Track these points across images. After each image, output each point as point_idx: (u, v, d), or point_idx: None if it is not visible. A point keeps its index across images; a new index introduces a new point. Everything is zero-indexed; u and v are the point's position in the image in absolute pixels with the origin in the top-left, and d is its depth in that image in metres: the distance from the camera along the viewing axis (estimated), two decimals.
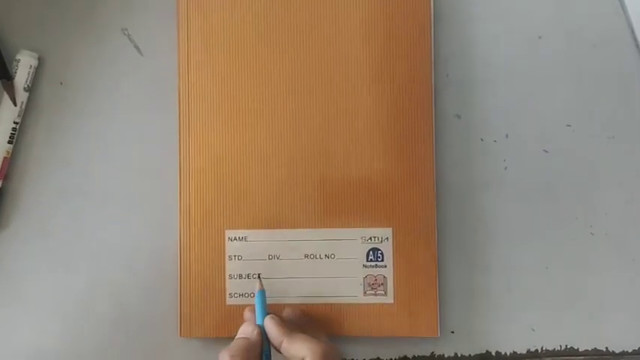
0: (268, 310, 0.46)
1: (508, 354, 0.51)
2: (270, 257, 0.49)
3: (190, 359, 0.50)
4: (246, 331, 0.44)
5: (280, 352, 0.43)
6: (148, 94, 0.51)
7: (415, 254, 0.49)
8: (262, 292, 0.46)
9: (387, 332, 0.49)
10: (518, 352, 0.51)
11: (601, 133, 0.52)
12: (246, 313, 0.47)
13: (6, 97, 0.50)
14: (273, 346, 0.44)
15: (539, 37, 0.52)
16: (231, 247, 0.49)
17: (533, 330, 0.51)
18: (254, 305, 0.46)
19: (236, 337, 0.44)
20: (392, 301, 0.49)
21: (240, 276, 0.49)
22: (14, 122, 0.50)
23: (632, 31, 0.52)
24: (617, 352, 0.51)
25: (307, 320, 0.48)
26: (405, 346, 0.50)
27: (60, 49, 0.51)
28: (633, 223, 0.51)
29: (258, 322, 0.45)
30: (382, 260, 0.49)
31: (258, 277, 0.48)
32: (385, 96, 0.50)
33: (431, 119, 0.50)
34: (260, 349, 0.43)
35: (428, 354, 0.51)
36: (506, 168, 0.52)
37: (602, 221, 0.51)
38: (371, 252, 0.49)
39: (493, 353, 0.51)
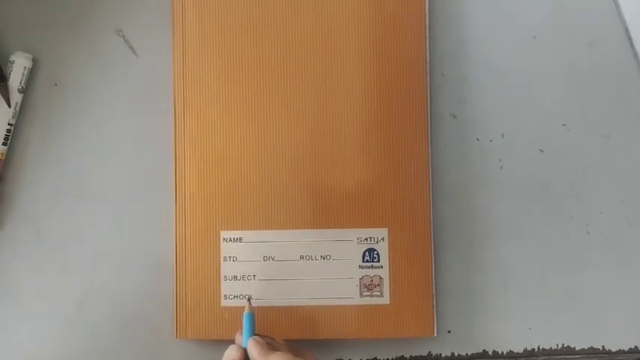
0: (256, 332, 0.45)
1: (505, 353, 0.50)
2: (265, 258, 0.49)
3: None
4: (229, 355, 0.43)
5: None
6: (143, 95, 0.51)
7: (411, 254, 0.49)
8: (250, 314, 0.45)
9: (383, 334, 0.49)
10: (515, 351, 0.50)
11: (596, 132, 0.52)
12: (237, 336, 0.46)
13: (0, 99, 0.50)
14: None
15: (534, 37, 0.52)
16: (226, 248, 0.49)
17: (530, 329, 0.51)
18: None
19: None
20: (388, 302, 0.49)
21: (235, 277, 0.49)
22: (8, 124, 0.50)
23: (627, 30, 0.52)
24: (613, 350, 0.51)
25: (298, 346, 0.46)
26: (402, 345, 0.50)
27: (54, 50, 0.51)
28: (628, 222, 0.51)
29: (244, 344, 0.44)
30: (378, 261, 0.49)
31: (248, 299, 0.47)
32: (380, 96, 0.50)
33: (426, 119, 0.50)
34: None
35: (425, 354, 0.51)
36: (501, 167, 0.52)
37: (598, 220, 0.51)
38: (367, 252, 0.49)
39: (490, 352, 0.51)
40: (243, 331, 0.45)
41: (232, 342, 0.48)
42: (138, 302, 0.50)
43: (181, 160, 0.49)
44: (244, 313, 0.45)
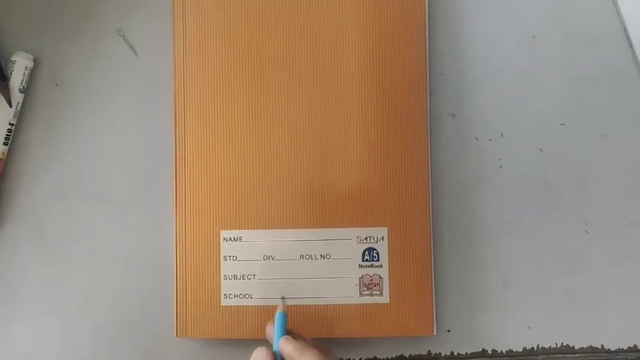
0: (289, 331, 0.45)
1: (504, 352, 0.51)
2: (265, 258, 0.49)
3: None
4: (258, 357, 0.43)
5: None
6: (143, 95, 0.52)
7: (411, 253, 0.49)
8: (283, 314, 0.45)
9: (383, 333, 0.49)
10: (515, 350, 0.51)
11: (595, 132, 0.52)
12: (268, 328, 0.46)
13: (1, 99, 0.50)
14: None
15: (533, 36, 0.53)
16: (226, 248, 0.49)
17: (529, 328, 0.51)
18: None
19: None
20: (388, 301, 0.49)
21: (235, 277, 0.49)
22: (10, 124, 0.50)
23: (625, 30, 0.52)
24: (612, 349, 0.51)
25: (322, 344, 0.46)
26: (402, 344, 0.51)
27: (55, 50, 0.52)
28: (628, 221, 0.51)
29: (275, 343, 0.44)
30: (378, 260, 0.49)
31: (282, 298, 0.48)
32: (380, 95, 0.50)
33: (426, 118, 0.50)
34: None
35: (424, 353, 0.51)
36: (501, 167, 0.52)
37: (597, 219, 0.51)
38: (366, 252, 0.49)
39: (489, 351, 0.51)
40: (275, 330, 0.45)
41: (232, 341, 0.49)
42: (138, 301, 0.50)
43: (182, 159, 0.50)
44: (277, 312, 0.46)
